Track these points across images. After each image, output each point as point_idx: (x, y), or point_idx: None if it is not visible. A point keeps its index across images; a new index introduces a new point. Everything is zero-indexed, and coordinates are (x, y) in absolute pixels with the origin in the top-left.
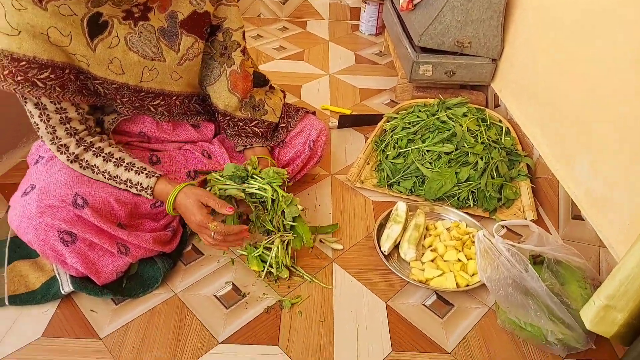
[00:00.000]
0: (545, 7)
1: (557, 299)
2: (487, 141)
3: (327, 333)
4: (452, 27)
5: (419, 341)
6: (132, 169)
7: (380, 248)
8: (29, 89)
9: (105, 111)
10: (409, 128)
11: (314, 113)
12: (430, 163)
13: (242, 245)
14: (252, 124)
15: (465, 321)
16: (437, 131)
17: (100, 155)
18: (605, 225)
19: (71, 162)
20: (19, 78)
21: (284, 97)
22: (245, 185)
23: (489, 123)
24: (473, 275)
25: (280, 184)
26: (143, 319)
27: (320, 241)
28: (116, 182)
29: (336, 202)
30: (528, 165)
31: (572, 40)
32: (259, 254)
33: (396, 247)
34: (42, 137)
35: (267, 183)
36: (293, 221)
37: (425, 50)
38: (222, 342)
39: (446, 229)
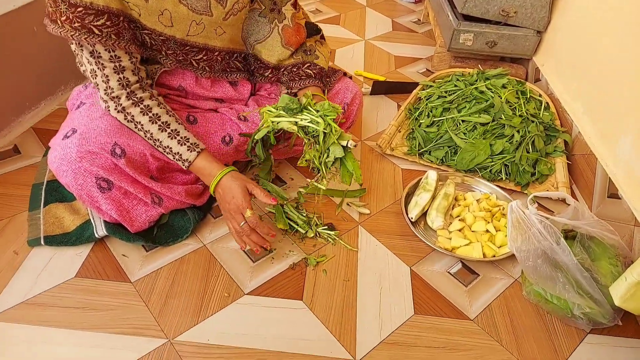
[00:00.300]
0: None
1: (587, 273)
2: (525, 114)
3: (350, 292)
4: None
5: (442, 306)
6: (175, 137)
7: (407, 215)
8: (85, 36)
9: (148, 62)
10: (445, 97)
11: (350, 77)
12: (464, 133)
13: (261, 251)
14: (305, 66)
15: (490, 291)
16: (474, 101)
17: (147, 114)
18: None
19: (118, 112)
20: (76, 24)
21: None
22: (299, 116)
23: (528, 96)
24: (500, 247)
25: (334, 117)
26: (172, 267)
27: (348, 204)
28: (155, 145)
29: (365, 168)
30: (565, 142)
31: (629, 14)
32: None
33: (423, 215)
34: (96, 85)
35: (320, 116)
36: (338, 160)
37: (467, 18)
38: (247, 294)
39: (476, 200)
